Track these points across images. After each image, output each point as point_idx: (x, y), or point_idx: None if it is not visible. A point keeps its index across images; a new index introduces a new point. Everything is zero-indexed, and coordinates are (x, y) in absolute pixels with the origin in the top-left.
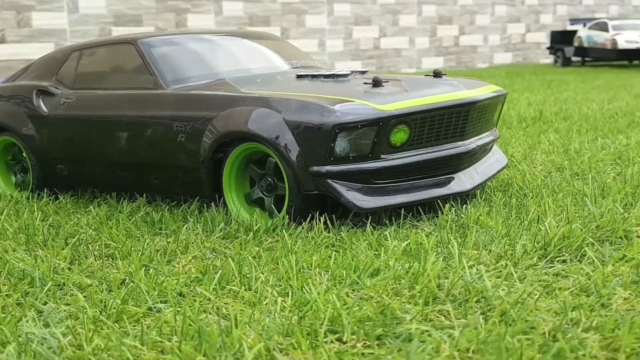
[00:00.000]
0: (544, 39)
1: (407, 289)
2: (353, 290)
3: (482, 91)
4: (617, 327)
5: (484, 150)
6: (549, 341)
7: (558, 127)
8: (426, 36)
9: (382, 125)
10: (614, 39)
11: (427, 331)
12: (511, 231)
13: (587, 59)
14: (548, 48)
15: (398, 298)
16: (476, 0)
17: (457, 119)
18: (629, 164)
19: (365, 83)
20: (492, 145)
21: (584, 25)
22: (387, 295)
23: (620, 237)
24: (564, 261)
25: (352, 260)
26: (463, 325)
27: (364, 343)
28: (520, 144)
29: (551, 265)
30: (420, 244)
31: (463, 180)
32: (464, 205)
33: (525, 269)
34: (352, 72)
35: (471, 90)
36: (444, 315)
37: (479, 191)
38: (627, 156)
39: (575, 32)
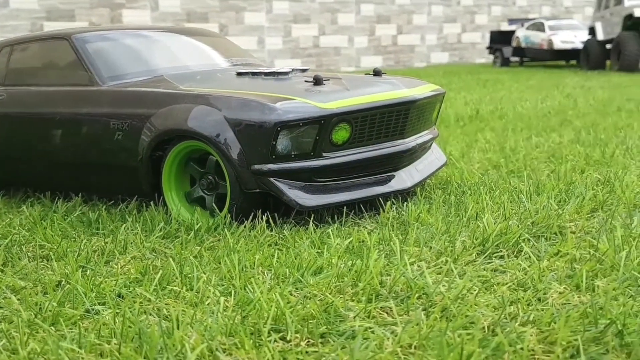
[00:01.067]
0: (479, 39)
1: (350, 287)
2: (296, 288)
3: (422, 90)
4: (553, 320)
5: (423, 148)
6: (489, 335)
7: (494, 125)
8: (365, 35)
9: (324, 123)
10: (550, 39)
11: (370, 328)
12: (451, 228)
13: (525, 59)
14: (487, 48)
15: (341, 296)
16: (413, 0)
17: (398, 118)
18: (561, 161)
19: (306, 81)
20: (432, 143)
21: (522, 26)
22: (330, 293)
23: (555, 233)
24: (501, 257)
25: (295, 259)
26: (405, 322)
27: (308, 341)
28: (458, 142)
29: (489, 261)
30: (363, 241)
31: (403, 178)
32: (405, 203)
33: (465, 265)
34: (293, 70)
35: (411, 89)
36: (387, 312)
37: (419, 189)
38: (560, 154)
39: (513, 32)
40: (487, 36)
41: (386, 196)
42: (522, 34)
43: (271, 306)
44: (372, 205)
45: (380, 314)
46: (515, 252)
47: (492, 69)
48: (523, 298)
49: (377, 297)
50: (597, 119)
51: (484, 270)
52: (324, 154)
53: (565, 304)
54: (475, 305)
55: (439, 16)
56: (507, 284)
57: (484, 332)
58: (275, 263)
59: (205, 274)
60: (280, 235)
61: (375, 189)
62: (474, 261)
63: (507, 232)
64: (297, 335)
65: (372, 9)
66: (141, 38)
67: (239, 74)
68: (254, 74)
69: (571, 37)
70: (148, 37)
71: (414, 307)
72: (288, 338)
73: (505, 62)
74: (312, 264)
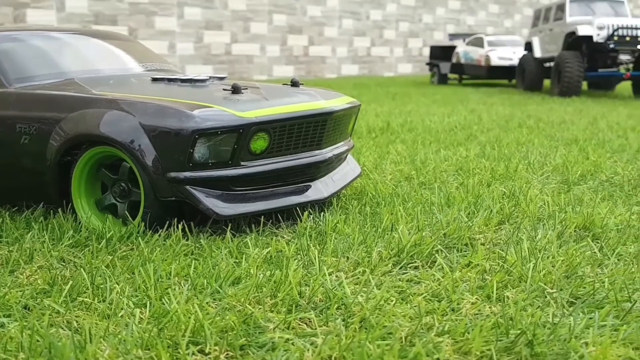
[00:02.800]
0: (387, 53)
1: (270, 297)
2: (214, 299)
3: (338, 102)
4: (467, 331)
5: (339, 159)
6: (407, 346)
7: (404, 138)
8: (277, 44)
9: (242, 132)
10: (487, 56)
11: (290, 339)
12: (367, 238)
13: (464, 76)
14: (427, 64)
15: (260, 307)
16: (325, 13)
17: (315, 129)
18: (469, 175)
19: (224, 89)
20: (347, 154)
21: (464, 41)
22: (249, 304)
23: (466, 244)
24: (416, 267)
25: (213, 269)
26: (325, 333)
27: (227, 354)
28: (370, 153)
29: (405, 271)
30: (281, 251)
31: (320, 188)
32: (322, 213)
33: (382, 276)
34: (210, 77)
35: (328, 101)
36: (306, 323)
37: (335, 199)
38: (467, 167)
39: (454, 47)
40: (396, 50)
41: (303, 206)
42: (462, 50)
43: (189, 318)
44: (289, 214)
45: (299, 324)
46: (429, 263)
47: (397, 82)
48: (438, 308)
49: (297, 308)
50: (500, 134)
51: (400, 280)
52: (242, 163)
53: (477, 314)
54: (393, 315)
55: (350, 29)
56: (422, 294)
57: (402, 342)
58: (192, 273)
59: (118, 284)
60: (197, 245)
61: (292, 198)
62: (390, 271)
63: (421, 243)
64: (216, 347)
65: (284, 19)
66: (51, 40)
67: (155, 79)
68: (170, 80)
69: (509, 54)
70: (58, 39)
71: (333, 317)
72: (207, 350)
73: (443, 79)
74: (230, 274)
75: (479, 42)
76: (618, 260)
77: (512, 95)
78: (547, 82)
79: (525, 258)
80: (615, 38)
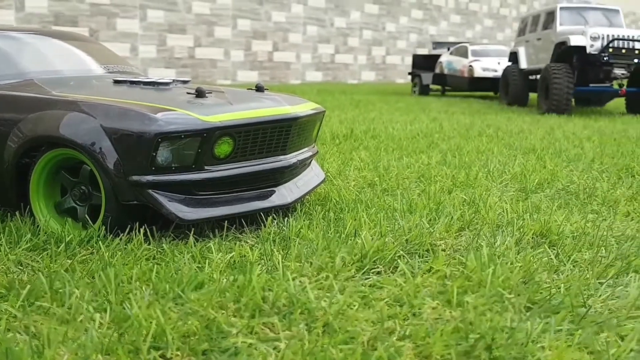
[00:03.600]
0: (351, 60)
1: (233, 302)
2: (177, 304)
3: (303, 108)
4: (428, 335)
5: (304, 165)
6: (369, 350)
7: (368, 145)
8: (241, 49)
9: (206, 136)
10: (470, 66)
11: (253, 344)
12: (331, 244)
13: (447, 87)
14: (409, 73)
15: (223, 311)
16: (289, 19)
17: (280, 134)
18: (431, 182)
19: (188, 93)
20: (311, 160)
21: (448, 50)
22: (212, 309)
23: (427, 250)
24: (378, 273)
25: (175, 273)
26: (288, 338)
27: (189, 359)
28: (334, 159)
29: (367, 276)
30: (244, 256)
31: (284, 194)
32: (286, 218)
33: (345, 281)
34: (174, 81)
35: (293, 106)
36: (269, 328)
37: (299, 204)
38: (429, 175)
39: (438, 56)
40: (360, 58)
41: (267, 211)
42: (446, 60)
43: (150, 323)
44: (253, 219)
45: (263, 329)
46: (391, 268)
47: (360, 89)
48: (400, 313)
49: (260, 313)
50: (461, 142)
51: (363, 285)
52: (206, 167)
53: (438, 319)
54: (356, 320)
55: (314, 36)
56: (384, 299)
57: (364, 347)
58: (154, 278)
59: (77, 289)
60: (159, 249)
61: (256, 203)
62: (353, 277)
63: (384, 249)
64: (178, 352)
65: (249, 24)
66: (9, 39)
67: (116, 81)
68: (132, 82)
69: (494, 65)
70: (17, 39)
71: (296, 322)
72: (168, 355)
73: (424, 90)
74: (193, 279)
75: (462, 52)
76: (573, 266)
77: (472, 104)
78: (533, 96)
79: (484, 264)
80: (610, 50)
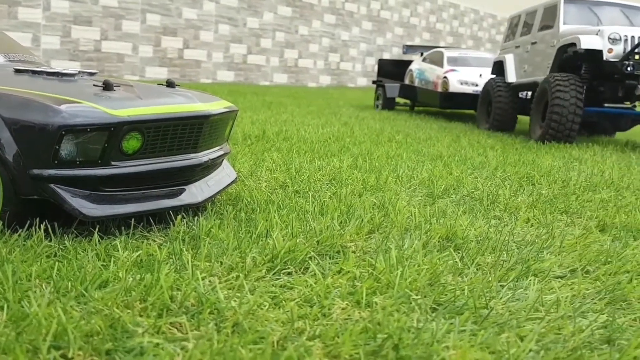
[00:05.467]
0: (263, 61)
1: (139, 301)
2: (79, 303)
3: (216, 106)
4: (337, 335)
5: (215, 164)
6: (278, 350)
7: (280, 146)
8: (150, 45)
9: (114, 130)
10: (445, 78)
11: (160, 344)
12: (242, 244)
13: (418, 102)
14: (373, 82)
15: (129, 311)
16: (200, 16)
17: (191, 131)
18: (342, 185)
19: (95, 85)
20: (223, 159)
21: (421, 55)
22: (117, 308)
23: (338, 252)
24: (289, 273)
25: (78, 271)
26: (197, 337)
27: (92, 359)
28: (246, 160)
29: (278, 277)
30: (152, 255)
31: (194, 193)
32: (196, 217)
33: (255, 281)
34: (80, 72)
35: (205, 104)
36: (177, 328)
37: (209, 204)
38: (340, 178)
39: (409, 63)
40: (272, 60)
41: (177, 210)
42: (417, 68)
43: (51, 322)
44: (161, 218)
45: (170, 329)
46: (302, 269)
47: (271, 91)
48: (310, 313)
49: (168, 312)
50: (371, 147)
51: (274, 286)
52: (113, 163)
53: (347, 319)
54: (266, 320)
55: (226, 35)
56: (295, 299)
57: (274, 347)
58: (55, 275)
59: None
60: (61, 246)
61: (165, 201)
62: (264, 277)
63: (295, 250)
64: (80, 352)
65: (159, 19)
66: None
67: (17, 71)
68: (34, 72)
69: (474, 77)
70: None
71: (205, 322)
72: (70, 355)
73: (389, 104)
74: (97, 277)
75: (437, 59)
76: (477, 269)
77: (382, 111)
78: (522, 120)
79: (393, 266)
80: (637, 57)
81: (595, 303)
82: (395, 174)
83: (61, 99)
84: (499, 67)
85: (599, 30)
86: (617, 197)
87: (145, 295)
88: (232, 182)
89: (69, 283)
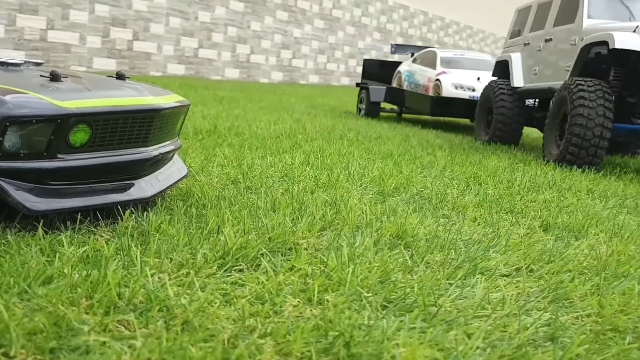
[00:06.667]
0: (215, 56)
1: (85, 298)
2: (22, 300)
3: (167, 99)
4: (288, 333)
5: (166, 158)
6: (229, 348)
7: (231, 142)
8: (98, 36)
9: (61, 122)
10: (437, 81)
11: (106, 343)
12: (192, 240)
13: (406, 107)
14: (357, 85)
15: (74, 308)
16: (151, 8)
17: (142, 125)
18: (294, 181)
19: (41, 76)
20: (174, 154)
21: (412, 56)
22: (62, 305)
23: (290, 249)
24: (241, 270)
25: (21, 267)
26: (145, 336)
27: (35, 357)
28: (197, 155)
29: (229, 274)
30: (99, 250)
31: (144, 187)
32: (145, 213)
33: (206, 278)
34: (25, 62)
35: (156, 97)
36: (125, 326)
37: (159, 199)
38: (292, 175)
39: (398, 64)
40: (224, 54)
41: (125, 204)
42: (407, 69)
43: None
44: (109, 213)
45: (117, 327)
46: (254, 266)
47: (223, 86)
48: (261, 311)
49: (115, 310)
50: (323, 144)
51: (225, 283)
52: (59, 156)
53: (299, 316)
54: (217, 318)
55: (177, 28)
56: (246, 297)
57: (225, 344)
58: None
59: None
60: (3, 241)
61: (113, 196)
62: (215, 274)
63: (247, 246)
64: (23, 351)
65: (107, 10)
66: None
67: None
68: None
69: (470, 80)
70: None
71: (154, 320)
72: (12, 354)
73: (373, 111)
74: (41, 273)
75: (429, 60)
76: (426, 267)
77: (334, 108)
78: (530, 133)
79: (344, 263)
80: None
81: (539, 301)
82: (347, 172)
83: (6, 89)
84: (502, 69)
85: (638, 27)
86: (559, 198)
87: (92, 292)
88: (183, 177)
89: (11, 279)
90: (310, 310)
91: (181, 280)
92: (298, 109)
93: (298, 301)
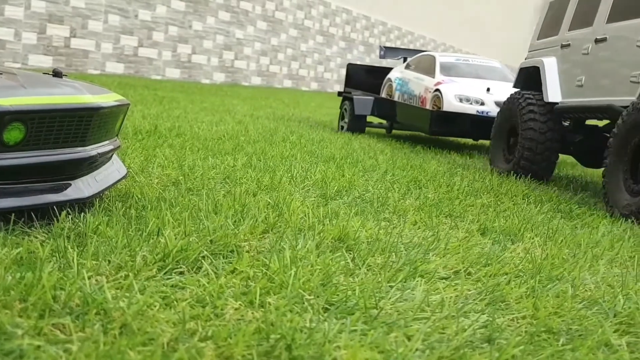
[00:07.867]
0: (155, 55)
1: (19, 301)
2: None
3: (106, 98)
4: (229, 336)
5: (104, 158)
6: (169, 352)
7: (172, 143)
8: (34, 32)
9: None
10: (437, 91)
11: (41, 347)
12: (132, 242)
13: (397, 123)
14: (339, 94)
15: (7, 311)
16: (89, 5)
17: (79, 124)
18: (236, 183)
19: None
20: (113, 154)
21: (404, 61)
22: None
23: (232, 251)
24: (181, 273)
25: None
26: (81, 339)
27: None
28: (136, 155)
29: (170, 276)
30: (33, 252)
31: (81, 188)
32: (82, 214)
33: (145, 280)
34: None
35: (95, 96)
36: (60, 329)
37: (97, 200)
38: (234, 177)
39: (388, 71)
40: (164, 54)
41: (61, 205)
42: (399, 77)
43: None
44: (44, 214)
45: (52, 331)
46: (195, 269)
47: (164, 86)
48: (202, 314)
49: (50, 313)
50: (266, 147)
51: (165, 285)
52: None
53: (240, 319)
54: (156, 321)
55: (116, 26)
56: (187, 299)
57: (164, 348)
58: None
59: None
60: None
61: (49, 196)
62: (155, 276)
63: (188, 249)
64: None
65: (44, 6)
66: None
67: None
68: None
69: (478, 92)
70: None
71: (91, 323)
72: None
73: (357, 125)
74: None
75: (426, 66)
76: (367, 270)
77: (276, 111)
78: (566, 161)
79: (286, 266)
80: None
81: (476, 303)
82: (290, 174)
83: None
84: (528, 78)
85: None
86: (496, 203)
87: (26, 295)
88: (122, 177)
89: None
90: (252, 313)
91: (120, 282)
92: (240, 110)
93: (240, 304)
